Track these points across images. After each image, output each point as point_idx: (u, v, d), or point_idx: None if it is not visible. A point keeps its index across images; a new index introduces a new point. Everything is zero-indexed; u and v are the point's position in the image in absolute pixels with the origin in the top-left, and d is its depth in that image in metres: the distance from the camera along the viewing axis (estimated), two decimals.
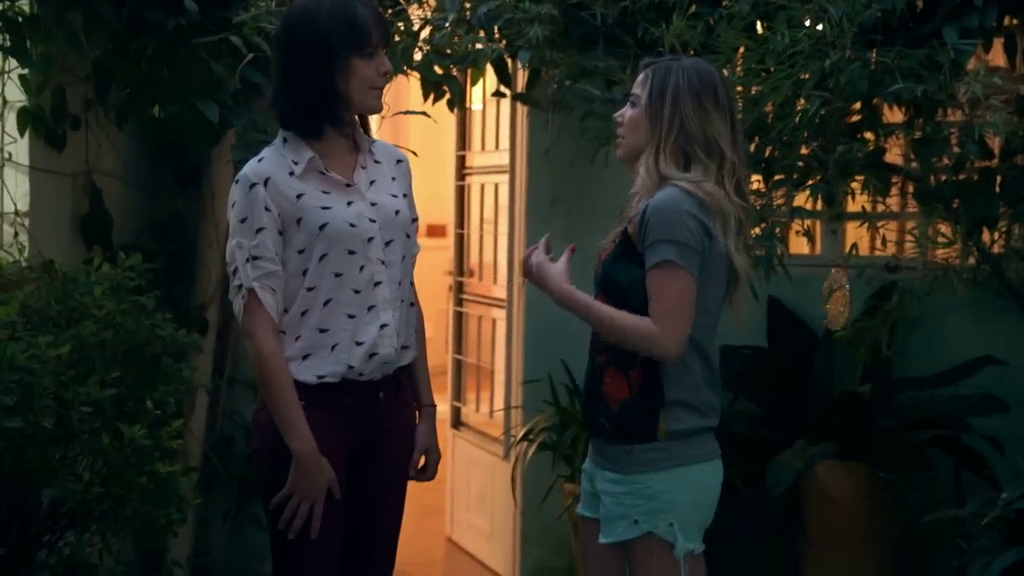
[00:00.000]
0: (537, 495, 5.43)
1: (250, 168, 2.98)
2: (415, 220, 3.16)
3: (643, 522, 2.92)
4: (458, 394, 6.62)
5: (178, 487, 3.73)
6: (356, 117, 3.10)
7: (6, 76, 4.45)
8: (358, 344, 3.00)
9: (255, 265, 2.93)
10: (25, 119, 4.45)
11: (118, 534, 3.68)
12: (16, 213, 4.47)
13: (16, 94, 4.47)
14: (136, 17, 4.44)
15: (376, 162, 3.12)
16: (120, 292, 3.74)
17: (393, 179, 3.14)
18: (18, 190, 4.51)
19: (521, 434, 5.46)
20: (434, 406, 3.28)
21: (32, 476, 3.30)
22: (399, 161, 3.20)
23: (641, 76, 3.02)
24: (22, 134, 4.47)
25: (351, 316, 3.00)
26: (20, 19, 4.30)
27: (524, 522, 5.68)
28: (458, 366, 6.62)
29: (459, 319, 6.61)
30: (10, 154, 4.49)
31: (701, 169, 2.91)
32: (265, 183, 2.94)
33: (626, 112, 3.04)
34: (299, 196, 2.96)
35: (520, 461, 5.48)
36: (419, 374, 3.22)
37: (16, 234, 4.44)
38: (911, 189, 4.40)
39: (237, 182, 2.98)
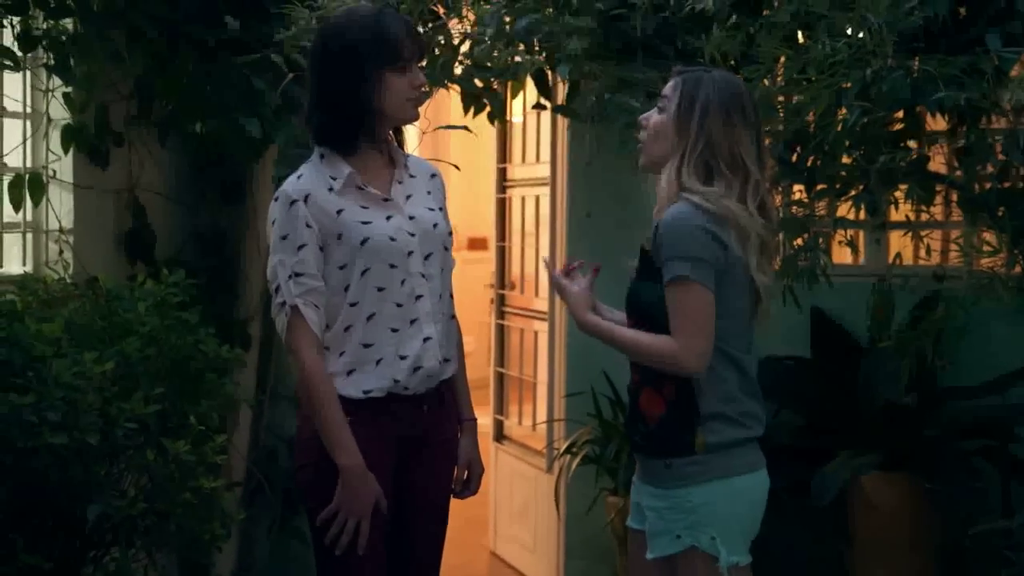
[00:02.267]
0: (580, 508, 5.41)
1: (289, 185, 2.99)
2: (450, 234, 3.16)
3: (685, 536, 2.90)
4: (500, 407, 6.61)
5: (222, 502, 3.74)
6: (391, 132, 3.10)
7: (50, 94, 4.49)
8: (402, 358, 3.01)
9: (297, 282, 2.93)
10: (69, 137, 4.48)
11: (163, 549, 3.70)
12: (61, 230, 4.51)
13: (60, 112, 4.51)
14: (177, 34, 4.48)
15: (411, 176, 3.13)
16: (164, 308, 3.76)
17: (428, 193, 3.15)
18: (62, 207, 4.54)
19: (564, 447, 5.44)
20: (475, 420, 3.28)
21: (77, 492, 3.31)
22: (433, 175, 3.21)
23: (672, 83, 3.00)
24: (66, 152, 4.51)
25: (394, 330, 3.00)
26: (63, 38, 4.34)
27: (567, 535, 5.66)
28: (500, 379, 6.61)
29: (501, 332, 6.60)
30: (54, 172, 4.53)
31: (724, 184, 2.89)
32: (305, 199, 2.95)
33: (652, 116, 3.02)
34: (339, 212, 2.96)
35: (563, 474, 5.46)
36: (459, 388, 3.22)
37: (61, 251, 4.48)
38: (955, 198, 4.36)
39: (276, 199, 2.99)
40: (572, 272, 3.13)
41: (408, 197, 3.08)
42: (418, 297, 3.03)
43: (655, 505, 2.96)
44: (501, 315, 6.58)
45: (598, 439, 5.27)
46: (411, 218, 3.05)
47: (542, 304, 6.00)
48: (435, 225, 3.09)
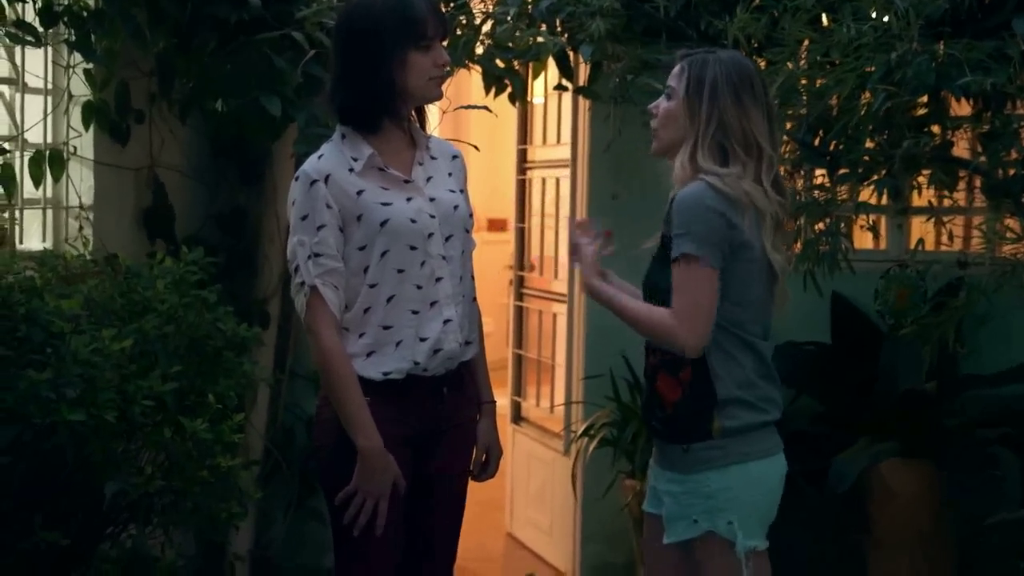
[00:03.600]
0: (597, 491, 5.41)
1: (310, 165, 2.98)
2: (471, 216, 3.15)
3: (703, 521, 2.90)
4: (518, 389, 6.60)
5: (239, 481, 3.73)
6: (413, 112, 3.09)
7: (71, 71, 4.48)
8: (422, 340, 3.00)
9: (317, 262, 2.93)
10: (90, 113, 4.48)
11: (179, 527, 3.70)
12: (80, 207, 4.51)
13: (81, 89, 4.50)
14: (199, 12, 4.46)
15: (432, 158, 3.12)
16: (182, 286, 3.75)
17: (449, 175, 3.13)
18: (83, 184, 4.54)
19: (581, 429, 5.44)
20: (494, 402, 3.27)
21: (95, 469, 3.31)
22: (454, 157, 3.19)
23: (677, 68, 2.99)
24: (87, 128, 4.50)
25: (414, 312, 2.99)
26: (85, 14, 4.33)
27: (584, 518, 5.66)
28: (518, 361, 6.60)
29: (519, 314, 6.59)
30: (75, 148, 4.52)
31: (739, 165, 2.88)
32: (326, 180, 2.94)
33: (661, 103, 3.01)
34: (359, 192, 2.95)
35: (580, 457, 5.46)
36: (479, 370, 3.22)
37: (81, 228, 4.48)
38: (978, 183, 4.34)
39: (297, 179, 2.98)
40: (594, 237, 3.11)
41: (429, 179, 3.07)
42: (438, 279, 3.02)
43: (672, 490, 2.96)
44: (520, 296, 6.58)
45: (616, 422, 5.26)
46: (432, 200, 3.04)
47: (561, 286, 5.99)
48: (456, 207, 3.08)
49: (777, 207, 2.91)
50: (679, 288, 2.84)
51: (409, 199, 3.00)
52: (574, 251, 3.10)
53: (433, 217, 3.02)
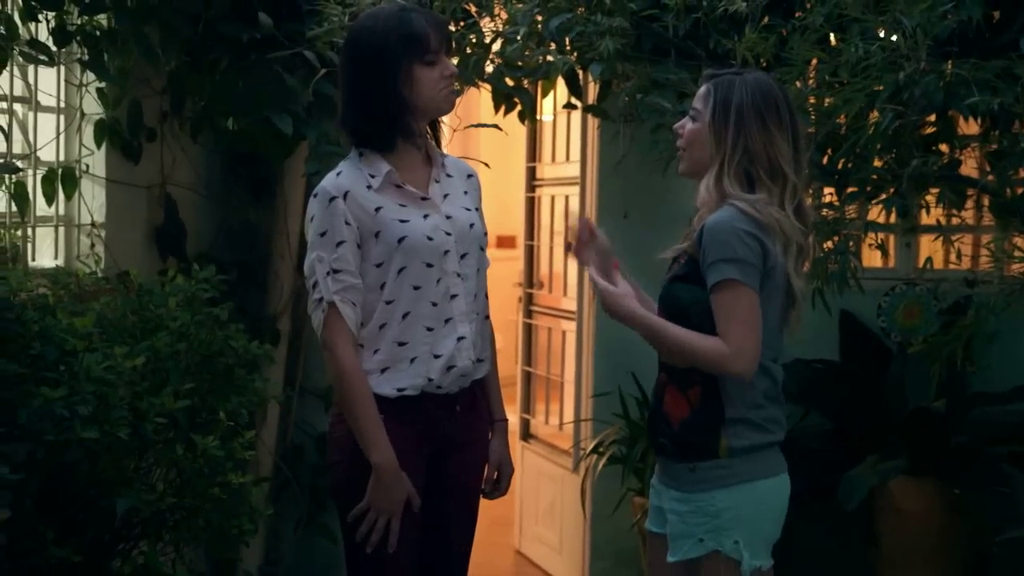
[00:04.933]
0: (606, 508, 5.41)
1: (329, 182, 3.00)
2: (486, 234, 3.17)
3: (708, 540, 2.90)
4: (527, 406, 6.61)
5: (250, 497, 3.75)
6: (428, 129, 3.11)
7: (84, 89, 4.51)
8: (436, 357, 3.01)
9: (335, 279, 2.94)
10: (102, 131, 4.50)
11: (191, 544, 3.71)
12: (93, 224, 4.53)
13: (93, 107, 4.53)
14: (211, 31, 4.49)
15: (448, 176, 3.14)
16: (194, 303, 3.77)
17: (465, 193, 3.15)
18: (95, 201, 4.56)
19: (591, 447, 5.44)
20: (506, 420, 3.28)
21: (107, 486, 3.33)
22: (470, 176, 3.21)
23: (703, 89, 2.98)
24: (99, 146, 4.53)
25: (429, 329, 3.01)
26: (98, 33, 4.36)
27: (593, 535, 5.66)
28: (527, 378, 6.61)
29: (528, 331, 6.60)
30: (87, 166, 4.55)
31: (765, 191, 2.88)
32: (344, 196, 2.96)
33: (686, 124, 3.01)
34: (377, 209, 2.97)
35: (589, 474, 5.46)
36: (491, 388, 3.23)
37: (93, 245, 4.50)
38: (987, 202, 4.35)
39: (316, 196, 3.00)
40: (611, 273, 3.08)
41: (445, 196, 3.09)
42: (453, 296, 3.03)
43: (677, 508, 2.96)
44: (529, 314, 6.59)
45: (625, 439, 5.27)
46: (448, 217, 3.06)
47: (570, 303, 6.01)
48: (472, 225, 3.10)
49: (799, 234, 2.91)
50: (727, 315, 2.83)
51: (426, 216, 3.02)
52: (602, 294, 3.04)
53: (449, 235, 3.04)
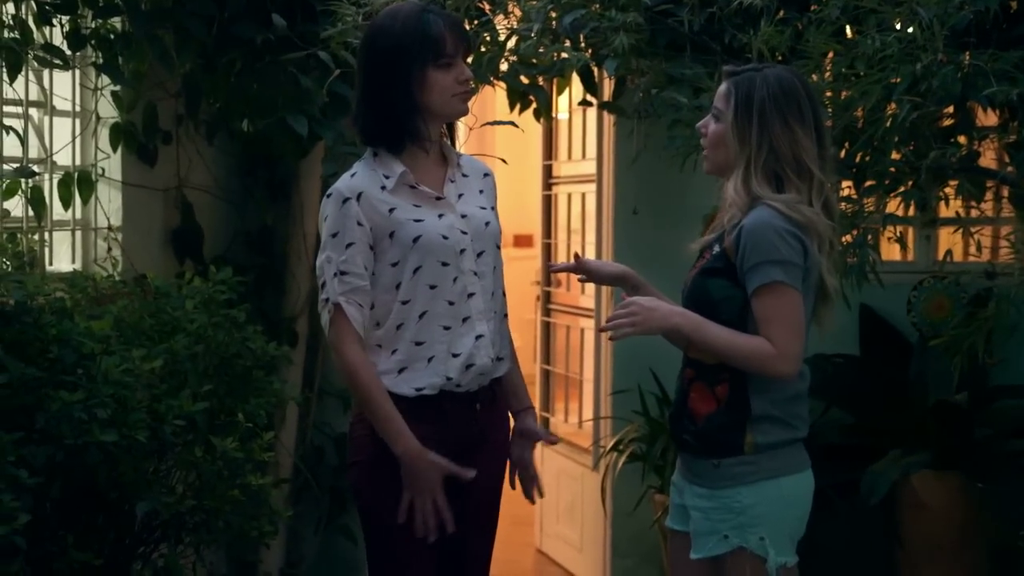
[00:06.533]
0: (627, 506, 5.40)
1: (343, 183, 2.99)
2: (501, 232, 3.16)
3: (733, 537, 2.89)
4: (546, 405, 6.60)
5: (269, 499, 3.75)
6: (444, 128, 3.10)
7: (99, 93, 4.52)
8: (455, 356, 3.00)
9: (342, 280, 2.94)
10: (117, 135, 4.51)
11: (211, 546, 3.71)
12: (109, 228, 4.53)
13: (109, 110, 4.53)
14: (225, 33, 4.49)
15: (464, 175, 3.13)
16: (211, 306, 3.77)
17: (481, 192, 3.14)
18: (111, 205, 4.57)
19: (610, 445, 5.43)
20: (532, 408, 3.27)
21: (127, 489, 3.33)
22: (486, 175, 3.20)
23: (724, 88, 2.95)
24: (115, 150, 4.53)
25: (446, 328, 3.00)
26: (112, 37, 4.37)
27: (614, 533, 5.65)
28: (546, 376, 6.60)
29: (547, 329, 6.59)
30: (103, 170, 4.55)
31: (795, 191, 2.87)
32: (358, 198, 2.95)
33: (709, 124, 2.98)
34: (391, 210, 2.96)
35: (610, 472, 5.45)
36: (515, 381, 3.22)
37: (109, 248, 4.51)
38: (1006, 194, 4.32)
39: (329, 196, 3.00)
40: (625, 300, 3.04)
41: (460, 195, 3.08)
42: (470, 295, 3.03)
43: (701, 505, 2.94)
44: (547, 312, 6.58)
45: (645, 437, 5.26)
46: (463, 216, 3.05)
47: (588, 301, 5.99)
48: (487, 223, 3.09)
49: (828, 230, 2.90)
50: (773, 317, 2.82)
51: (441, 215, 3.01)
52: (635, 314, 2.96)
53: (465, 233, 3.03)
